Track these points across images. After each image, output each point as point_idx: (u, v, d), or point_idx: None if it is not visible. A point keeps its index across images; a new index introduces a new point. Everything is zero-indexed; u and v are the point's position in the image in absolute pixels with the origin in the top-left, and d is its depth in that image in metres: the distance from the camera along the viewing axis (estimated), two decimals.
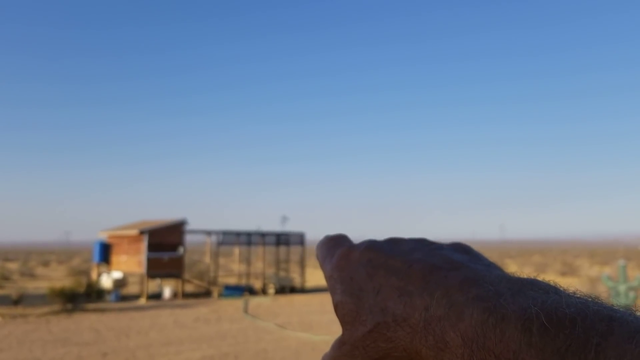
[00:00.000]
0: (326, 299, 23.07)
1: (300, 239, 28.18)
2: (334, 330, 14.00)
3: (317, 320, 15.99)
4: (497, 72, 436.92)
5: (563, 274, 38.66)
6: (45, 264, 60.15)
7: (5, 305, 18.39)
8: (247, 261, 27.45)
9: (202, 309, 18.96)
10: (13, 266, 48.18)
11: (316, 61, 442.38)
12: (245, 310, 18.58)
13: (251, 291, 25.06)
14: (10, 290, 23.87)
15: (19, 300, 19.22)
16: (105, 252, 23.90)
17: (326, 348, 11.35)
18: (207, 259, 26.92)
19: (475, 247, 0.47)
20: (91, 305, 19.13)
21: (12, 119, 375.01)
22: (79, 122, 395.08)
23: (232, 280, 28.30)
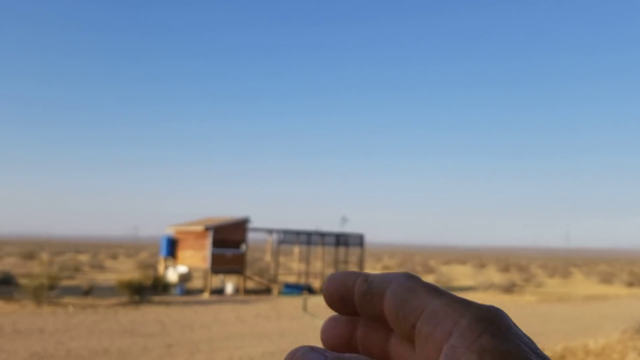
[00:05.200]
0: None
1: (359, 241, 28.16)
2: None
3: None
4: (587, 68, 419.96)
5: (630, 284, 36.84)
6: (114, 257, 62.72)
7: (76, 296, 19.26)
8: (307, 260, 27.68)
9: (262, 306, 19.27)
10: (84, 258, 50.47)
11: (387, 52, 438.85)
12: (305, 309, 18.74)
13: (310, 290, 25.23)
14: (81, 281, 25.01)
15: (89, 291, 20.06)
16: (172, 247, 24.71)
17: None
18: (268, 257, 27.33)
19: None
20: (157, 298, 19.78)
21: (87, 116, 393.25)
22: (150, 118, 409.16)
23: (291, 279, 28.59)
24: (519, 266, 59.98)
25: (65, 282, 23.23)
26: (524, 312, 20.64)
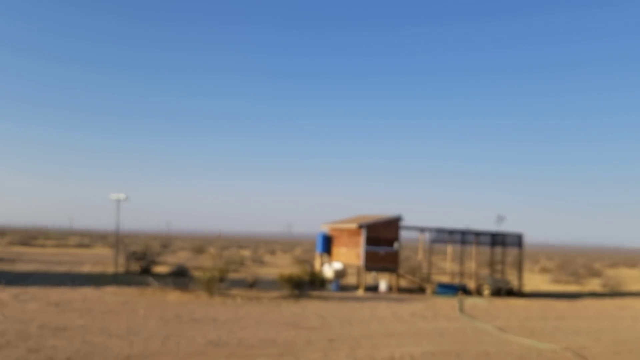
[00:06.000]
0: (547, 305, 21.66)
1: (517, 241, 26.86)
2: (559, 338, 13.10)
3: (539, 327, 15.11)
4: None
5: None
6: (272, 252, 66.29)
7: (242, 288, 20.63)
8: (460, 260, 27.01)
9: (417, 305, 19.16)
10: (246, 253, 53.93)
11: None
12: (461, 310, 18.32)
13: (465, 291, 24.59)
14: (245, 274, 26.75)
15: (254, 284, 21.40)
16: (327, 244, 25.53)
17: (553, 357, 10.68)
18: (420, 256, 27.11)
19: None
20: (315, 293, 20.55)
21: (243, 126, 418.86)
22: (303, 115, 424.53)
23: (444, 279, 28.11)
24: None
25: (232, 275, 24.98)
26: None
